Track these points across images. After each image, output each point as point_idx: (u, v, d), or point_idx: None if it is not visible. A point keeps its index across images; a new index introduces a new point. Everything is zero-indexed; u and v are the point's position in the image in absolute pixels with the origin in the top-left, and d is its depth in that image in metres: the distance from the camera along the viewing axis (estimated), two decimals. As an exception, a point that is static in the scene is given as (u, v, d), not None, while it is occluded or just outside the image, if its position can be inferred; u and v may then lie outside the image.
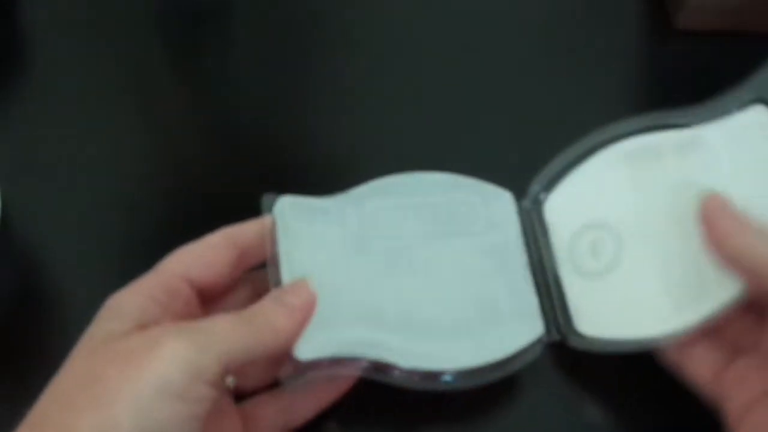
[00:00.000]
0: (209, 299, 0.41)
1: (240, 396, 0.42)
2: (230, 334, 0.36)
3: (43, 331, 0.46)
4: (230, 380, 0.39)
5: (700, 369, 0.41)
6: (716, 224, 0.40)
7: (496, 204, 0.44)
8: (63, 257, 0.47)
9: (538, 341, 0.41)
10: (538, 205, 0.45)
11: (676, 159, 0.43)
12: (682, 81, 0.54)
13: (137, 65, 0.54)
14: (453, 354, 0.40)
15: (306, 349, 0.38)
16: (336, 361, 0.38)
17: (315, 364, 0.38)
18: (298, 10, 0.57)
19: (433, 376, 0.40)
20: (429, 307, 0.41)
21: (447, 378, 0.40)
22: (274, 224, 0.41)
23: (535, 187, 0.45)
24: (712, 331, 0.41)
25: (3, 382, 0.45)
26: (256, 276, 0.42)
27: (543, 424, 0.44)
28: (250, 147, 0.52)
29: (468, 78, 0.54)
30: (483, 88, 0.54)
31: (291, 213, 0.41)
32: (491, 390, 0.41)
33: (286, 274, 0.40)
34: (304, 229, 0.41)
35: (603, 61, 0.55)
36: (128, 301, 0.38)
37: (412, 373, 0.39)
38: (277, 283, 0.40)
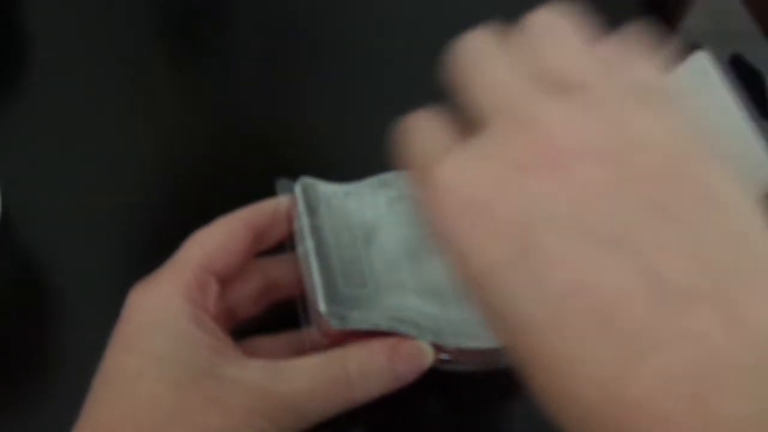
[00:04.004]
0: (222, 285, 0.40)
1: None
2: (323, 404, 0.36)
3: (43, 331, 0.46)
4: None
5: None
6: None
7: None
8: (63, 257, 0.47)
9: None
10: None
11: None
12: (682, 81, 0.54)
13: (137, 65, 0.54)
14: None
15: (338, 323, 0.38)
16: (370, 333, 0.38)
17: (347, 335, 0.38)
18: (298, 9, 0.57)
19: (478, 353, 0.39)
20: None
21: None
22: (294, 202, 0.41)
23: None
24: None
25: (3, 382, 0.45)
26: (266, 264, 0.42)
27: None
28: (250, 147, 0.52)
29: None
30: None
31: (313, 193, 0.42)
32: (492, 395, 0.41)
33: (313, 257, 0.39)
34: (325, 208, 0.41)
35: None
36: (172, 307, 0.37)
37: (457, 351, 0.39)
38: (305, 259, 0.39)
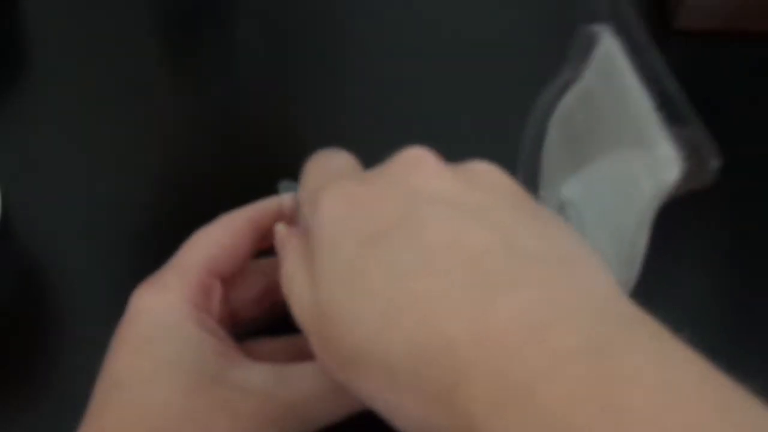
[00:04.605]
0: (225, 286, 0.40)
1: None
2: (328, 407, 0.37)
3: (43, 332, 0.46)
4: None
5: None
6: None
7: None
8: (64, 258, 0.47)
9: None
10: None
11: (583, 113, 0.43)
12: (682, 81, 0.54)
13: (137, 65, 0.54)
14: None
15: None
16: None
17: None
18: (299, 9, 0.57)
19: None
20: None
21: None
22: (297, 202, 0.40)
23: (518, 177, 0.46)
24: None
25: (3, 383, 0.45)
26: (267, 264, 0.42)
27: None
28: (250, 147, 0.52)
29: (470, 77, 0.54)
30: (484, 87, 0.54)
31: None
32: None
33: None
34: None
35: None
36: (178, 312, 0.37)
37: None
38: None
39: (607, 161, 0.42)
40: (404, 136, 0.52)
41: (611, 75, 0.42)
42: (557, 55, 0.53)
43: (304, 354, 0.38)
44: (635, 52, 0.42)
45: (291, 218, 0.40)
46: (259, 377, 0.36)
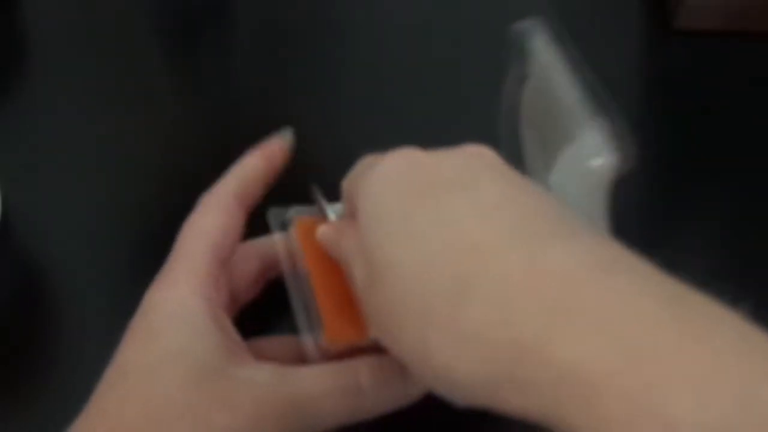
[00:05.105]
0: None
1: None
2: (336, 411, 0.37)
3: (43, 332, 0.46)
4: None
5: None
6: None
7: None
8: (63, 257, 0.47)
9: None
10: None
11: (542, 103, 0.44)
12: (682, 81, 0.54)
13: (137, 65, 0.54)
14: None
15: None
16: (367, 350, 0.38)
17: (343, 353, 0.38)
18: (299, 9, 0.57)
19: None
20: None
21: None
22: (291, 241, 0.41)
23: None
24: None
25: (3, 383, 0.45)
26: (260, 244, 0.42)
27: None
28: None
29: (470, 76, 0.54)
30: (484, 87, 0.54)
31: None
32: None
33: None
34: None
35: (602, 60, 0.55)
36: (190, 307, 0.37)
37: None
38: (306, 296, 0.40)
39: (562, 152, 0.42)
40: (405, 135, 0.52)
41: (546, 69, 0.42)
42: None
43: (302, 358, 0.38)
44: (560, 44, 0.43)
45: (289, 258, 0.41)
46: (264, 375, 0.36)
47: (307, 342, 0.39)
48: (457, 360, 0.30)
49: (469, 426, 0.44)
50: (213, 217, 0.40)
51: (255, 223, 0.42)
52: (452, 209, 0.32)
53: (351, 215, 0.37)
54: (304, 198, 0.43)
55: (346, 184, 0.39)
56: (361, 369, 0.37)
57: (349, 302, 0.39)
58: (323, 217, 0.41)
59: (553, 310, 0.28)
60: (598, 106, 0.40)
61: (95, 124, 0.52)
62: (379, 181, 0.34)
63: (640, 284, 0.28)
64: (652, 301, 0.28)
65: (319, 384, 0.36)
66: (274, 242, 0.42)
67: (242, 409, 0.35)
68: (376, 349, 0.38)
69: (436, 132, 0.52)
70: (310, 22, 0.56)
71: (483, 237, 0.31)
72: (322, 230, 0.39)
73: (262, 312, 0.43)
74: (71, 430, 0.35)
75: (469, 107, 0.53)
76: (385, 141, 0.52)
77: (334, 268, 0.40)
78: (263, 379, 0.36)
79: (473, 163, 0.34)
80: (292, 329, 0.40)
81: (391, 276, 0.32)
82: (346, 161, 0.51)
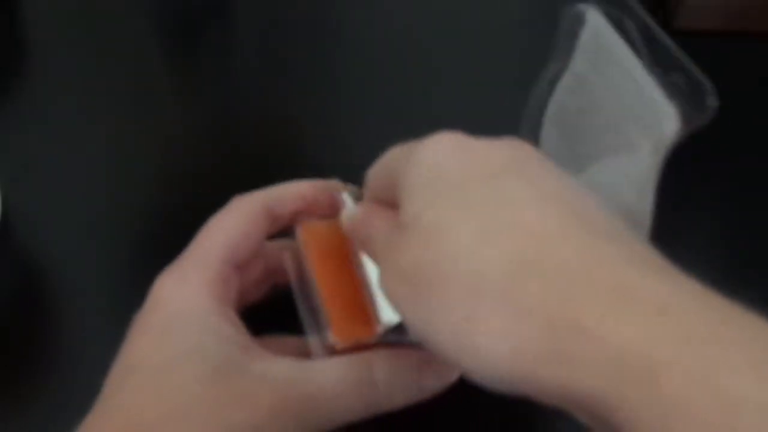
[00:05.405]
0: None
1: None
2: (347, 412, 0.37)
3: (43, 332, 0.46)
4: None
5: None
6: None
7: None
8: (63, 258, 0.47)
9: None
10: None
11: (576, 104, 0.44)
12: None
13: (137, 65, 0.54)
14: None
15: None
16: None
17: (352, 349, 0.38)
18: (299, 9, 0.57)
19: None
20: None
21: None
22: (297, 242, 0.41)
23: None
24: None
25: (3, 382, 0.45)
26: (268, 248, 0.42)
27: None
28: (250, 147, 0.52)
29: (468, 76, 0.54)
30: (483, 87, 0.54)
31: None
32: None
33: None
34: None
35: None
36: (201, 304, 0.37)
37: None
38: (312, 297, 0.39)
39: (606, 144, 0.42)
40: (405, 136, 0.52)
41: (601, 52, 0.42)
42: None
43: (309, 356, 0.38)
44: (623, 16, 0.42)
45: (296, 263, 0.41)
46: (280, 370, 0.36)
47: (314, 341, 0.39)
48: (506, 334, 0.29)
49: (470, 427, 0.44)
50: (236, 219, 0.40)
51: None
52: (511, 192, 0.32)
53: (376, 201, 0.37)
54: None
55: (376, 171, 0.38)
56: (375, 361, 0.37)
57: (355, 302, 0.39)
58: (328, 220, 0.41)
59: (612, 293, 0.28)
60: (670, 65, 0.40)
61: (95, 124, 0.52)
62: (433, 152, 0.34)
63: (688, 283, 0.29)
64: (708, 296, 0.28)
65: (335, 376, 0.36)
66: (280, 245, 0.42)
67: (260, 404, 0.35)
68: (382, 347, 0.38)
69: (436, 132, 0.52)
70: (310, 22, 0.56)
71: (542, 223, 0.31)
72: (350, 212, 0.39)
73: (267, 315, 0.43)
74: (80, 427, 0.35)
75: (470, 106, 0.53)
76: (385, 141, 0.52)
77: (341, 268, 0.40)
78: (280, 373, 0.36)
79: (520, 153, 0.34)
80: (297, 332, 0.40)
81: (440, 239, 0.31)
82: (346, 161, 0.51)
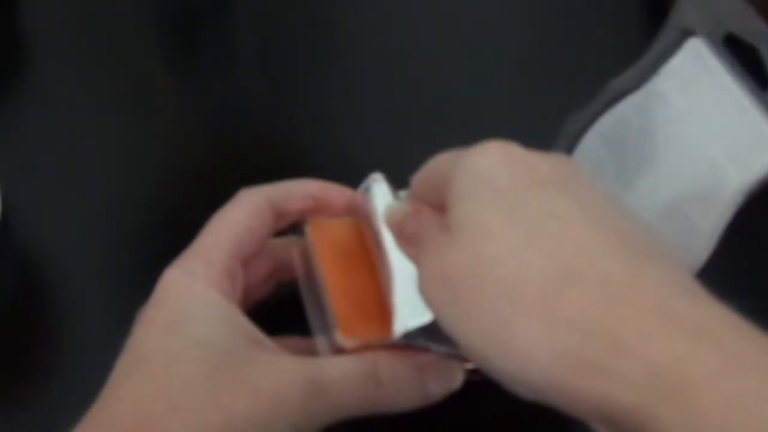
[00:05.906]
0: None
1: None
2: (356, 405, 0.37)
3: (43, 332, 0.46)
4: None
5: None
6: None
7: None
8: (63, 257, 0.47)
9: None
10: None
11: (641, 122, 0.44)
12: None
13: (137, 65, 0.54)
14: None
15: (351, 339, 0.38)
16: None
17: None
18: (299, 9, 0.57)
19: None
20: None
21: None
22: (306, 241, 0.41)
23: None
24: None
25: (2, 382, 0.45)
26: (273, 246, 0.42)
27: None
28: (250, 147, 0.52)
29: (468, 76, 0.54)
30: (483, 88, 0.54)
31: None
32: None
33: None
34: None
35: (602, 60, 0.55)
36: (208, 298, 0.37)
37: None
38: (320, 296, 0.39)
39: (671, 164, 0.42)
40: (406, 136, 0.52)
41: (697, 76, 0.42)
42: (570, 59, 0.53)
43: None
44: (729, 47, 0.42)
45: (304, 259, 0.41)
46: (287, 362, 0.36)
47: (321, 341, 0.39)
48: (543, 341, 0.29)
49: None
50: (243, 213, 0.40)
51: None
52: (557, 204, 0.32)
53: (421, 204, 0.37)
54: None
55: (422, 175, 0.38)
56: (380, 361, 0.37)
57: (363, 302, 0.39)
58: (338, 219, 0.41)
59: (651, 311, 0.28)
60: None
61: (95, 124, 0.52)
62: (482, 159, 0.34)
63: (721, 308, 0.29)
64: (741, 323, 0.28)
65: (340, 368, 0.37)
66: (286, 242, 0.42)
67: (265, 393, 0.35)
68: (390, 349, 0.38)
69: (437, 132, 0.52)
70: (310, 21, 0.56)
71: (589, 237, 0.31)
72: (395, 206, 0.39)
73: (273, 315, 0.43)
74: (85, 419, 0.35)
75: (473, 108, 0.53)
76: (385, 141, 0.53)
77: (350, 268, 0.40)
78: (285, 364, 0.36)
79: (567, 168, 0.35)
80: (303, 333, 0.40)
81: (484, 243, 0.32)
82: (346, 161, 0.51)
